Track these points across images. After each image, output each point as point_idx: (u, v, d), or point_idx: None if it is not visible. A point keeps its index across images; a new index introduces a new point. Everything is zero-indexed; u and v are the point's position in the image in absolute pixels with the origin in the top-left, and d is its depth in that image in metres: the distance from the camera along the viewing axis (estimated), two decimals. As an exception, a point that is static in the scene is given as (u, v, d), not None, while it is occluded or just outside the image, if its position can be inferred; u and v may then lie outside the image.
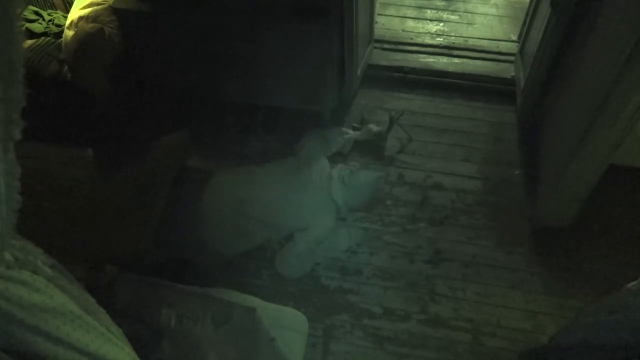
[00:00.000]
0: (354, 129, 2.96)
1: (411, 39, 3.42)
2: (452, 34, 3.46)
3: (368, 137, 2.90)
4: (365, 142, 2.90)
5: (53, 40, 2.78)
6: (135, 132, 2.84)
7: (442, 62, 3.27)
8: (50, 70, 2.70)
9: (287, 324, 2.11)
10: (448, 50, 3.33)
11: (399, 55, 3.31)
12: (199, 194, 2.51)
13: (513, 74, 3.15)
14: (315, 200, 2.54)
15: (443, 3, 3.71)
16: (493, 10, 3.65)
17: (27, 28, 2.75)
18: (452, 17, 3.60)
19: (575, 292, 2.31)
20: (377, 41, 3.35)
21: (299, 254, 2.41)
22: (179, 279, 2.22)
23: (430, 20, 3.58)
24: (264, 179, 2.61)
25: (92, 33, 2.55)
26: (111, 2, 2.61)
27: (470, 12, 3.63)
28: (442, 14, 3.63)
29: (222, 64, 2.70)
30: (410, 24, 3.55)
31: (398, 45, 3.38)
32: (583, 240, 2.48)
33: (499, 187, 2.72)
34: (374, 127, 2.91)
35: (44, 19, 2.85)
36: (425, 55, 3.31)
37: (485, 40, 3.41)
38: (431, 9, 3.67)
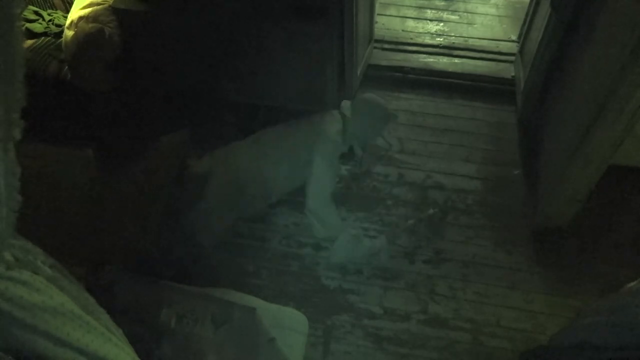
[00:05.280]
0: None
1: (411, 39, 3.42)
2: (452, 34, 3.46)
3: None
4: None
5: (53, 40, 2.78)
6: (135, 132, 2.84)
7: (442, 62, 3.28)
8: (50, 70, 2.70)
9: (287, 324, 2.11)
10: (448, 50, 3.34)
11: (399, 55, 3.31)
12: (200, 194, 2.51)
13: (513, 74, 3.15)
14: (312, 139, 2.50)
15: (443, 3, 3.71)
16: (493, 10, 3.65)
17: (27, 28, 2.75)
18: (452, 17, 3.60)
19: (575, 292, 2.31)
20: (377, 41, 3.35)
21: (316, 197, 2.40)
22: (179, 279, 2.22)
23: (431, 20, 3.58)
24: (271, 137, 2.60)
25: (92, 33, 2.54)
26: (111, 2, 2.61)
27: (470, 12, 3.64)
28: (442, 14, 3.63)
29: (222, 63, 2.70)
30: (411, 24, 3.56)
31: (398, 45, 3.38)
32: (583, 240, 2.48)
33: (499, 187, 2.72)
34: None
35: (44, 19, 2.85)
36: (425, 55, 3.32)
37: (485, 40, 3.41)
38: (431, 9, 3.67)
